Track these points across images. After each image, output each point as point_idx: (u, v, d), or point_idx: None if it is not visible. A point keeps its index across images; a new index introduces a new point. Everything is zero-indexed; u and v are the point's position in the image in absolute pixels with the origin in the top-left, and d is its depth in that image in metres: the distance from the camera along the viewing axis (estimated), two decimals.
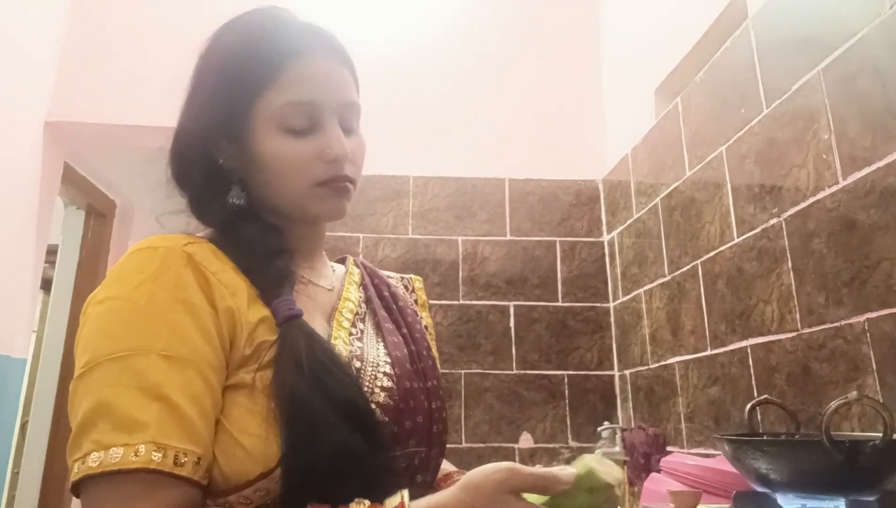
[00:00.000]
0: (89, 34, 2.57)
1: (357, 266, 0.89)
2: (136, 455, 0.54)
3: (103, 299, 0.63)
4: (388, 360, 0.74)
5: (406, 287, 0.94)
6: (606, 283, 2.44)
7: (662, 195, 1.97)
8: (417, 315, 0.89)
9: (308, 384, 0.61)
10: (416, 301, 0.93)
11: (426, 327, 0.89)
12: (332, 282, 0.82)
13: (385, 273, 0.92)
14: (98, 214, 3.15)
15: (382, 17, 2.64)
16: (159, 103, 2.65)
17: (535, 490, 0.55)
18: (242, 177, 0.73)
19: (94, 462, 0.55)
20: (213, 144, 0.72)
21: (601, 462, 0.56)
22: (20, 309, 2.41)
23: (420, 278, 0.97)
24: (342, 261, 0.90)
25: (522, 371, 2.33)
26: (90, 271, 3.04)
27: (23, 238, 2.39)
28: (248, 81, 0.71)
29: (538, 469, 0.55)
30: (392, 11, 2.66)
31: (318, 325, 0.72)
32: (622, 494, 1.75)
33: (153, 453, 0.55)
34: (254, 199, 0.74)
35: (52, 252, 2.84)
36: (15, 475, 2.77)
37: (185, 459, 0.56)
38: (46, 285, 2.92)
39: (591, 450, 1.94)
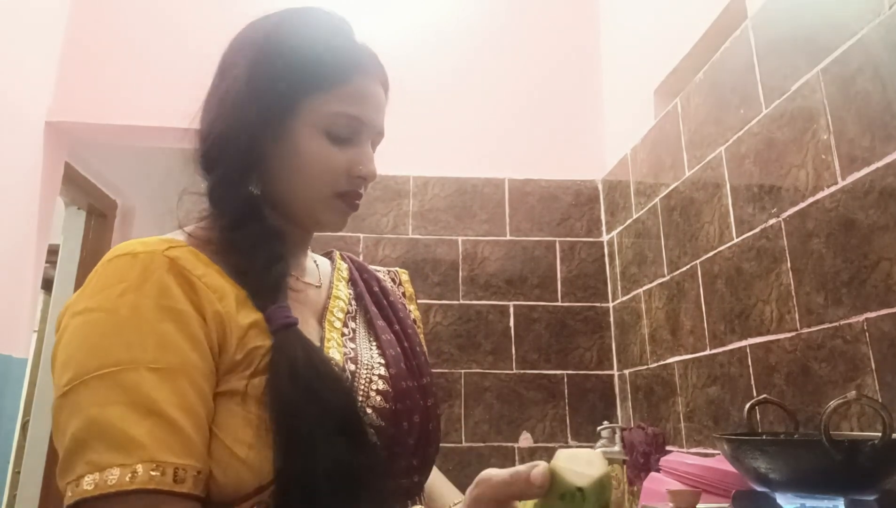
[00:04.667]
0: (89, 34, 2.57)
1: (344, 260, 0.88)
2: (133, 475, 0.52)
3: (82, 309, 0.60)
4: (383, 361, 0.73)
5: (393, 280, 0.93)
6: (606, 283, 2.44)
7: (662, 195, 1.98)
8: (407, 309, 0.88)
9: (303, 397, 0.60)
10: (403, 294, 0.92)
11: (415, 320, 0.89)
12: (318, 277, 0.81)
13: (372, 268, 0.91)
14: (99, 214, 3.16)
15: (381, 18, 2.64)
16: (159, 103, 2.67)
17: (509, 498, 0.48)
18: (261, 166, 0.72)
19: (90, 484, 0.53)
20: (255, 128, 0.70)
21: (574, 459, 0.47)
22: (21, 309, 2.41)
23: (406, 271, 0.96)
24: (328, 255, 0.88)
25: (522, 371, 2.33)
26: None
27: (24, 238, 2.40)
28: (309, 74, 0.71)
29: (511, 471, 0.48)
30: (390, 11, 2.67)
31: (310, 326, 0.72)
32: (614, 489, 1.75)
33: (151, 472, 0.53)
34: (265, 192, 0.72)
35: (53, 252, 2.84)
36: (16, 474, 2.77)
37: (185, 474, 0.55)
38: (47, 285, 2.92)
39: (590, 449, 1.94)
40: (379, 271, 0.92)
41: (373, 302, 0.82)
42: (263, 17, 0.77)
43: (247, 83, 0.71)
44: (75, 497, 0.53)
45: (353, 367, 0.70)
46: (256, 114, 0.70)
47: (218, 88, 0.75)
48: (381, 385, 0.70)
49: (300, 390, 0.60)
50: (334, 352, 0.70)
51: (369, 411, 0.67)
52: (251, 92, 0.71)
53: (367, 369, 0.71)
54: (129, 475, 0.52)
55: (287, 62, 0.71)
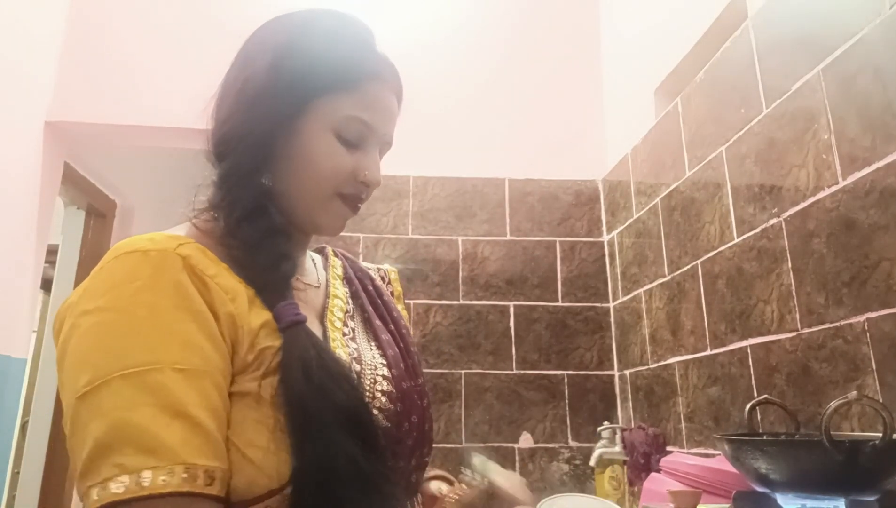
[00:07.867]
0: (89, 34, 2.57)
1: (338, 257, 0.88)
2: (165, 478, 0.52)
3: (93, 309, 0.58)
4: (384, 361, 0.74)
5: (382, 279, 0.93)
6: (606, 283, 2.44)
7: (662, 195, 1.98)
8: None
9: (317, 396, 0.60)
10: (392, 293, 0.92)
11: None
12: (317, 277, 0.81)
13: (364, 265, 0.91)
14: (98, 214, 3.16)
15: (381, 18, 2.64)
16: (158, 103, 2.66)
17: None
18: (270, 160, 0.72)
19: (119, 487, 0.51)
20: (271, 121, 0.71)
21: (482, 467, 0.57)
22: (20, 309, 2.41)
23: (395, 270, 0.96)
24: (320, 251, 0.88)
25: (522, 371, 2.33)
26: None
27: (23, 238, 2.39)
28: (327, 75, 0.71)
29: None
30: (391, 12, 2.67)
31: (313, 326, 0.71)
32: (615, 489, 1.76)
33: (183, 475, 0.53)
34: (271, 189, 0.72)
35: (52, 252, 2.84)
36: (15, 475, 2.77)
37: (215, 476, 0.55)
38: (47, 285, 2.92)
39: (590, 450, 1.94)
40: (370, 268, 0.92)
41: (368, 301, 0.82)
42: (289, 14, 0.77)
43: (267, 76, 0.71)
44: (102, 500, 0.52)
45: (357, 367, 0.70)
46: (274, 108, 0.70)
47: (237, 78, 0.74)
48: (385, 386, 0.71)
49: (314, 389, 0.60)
50: (339, 352, 0.70)
51: (375, 412, 0.67)
52: (271, 86, 0.71)
53: (370, 369, 0.71)
54: (163, 478, 0.52)
55: (309, 61, 0.72)
